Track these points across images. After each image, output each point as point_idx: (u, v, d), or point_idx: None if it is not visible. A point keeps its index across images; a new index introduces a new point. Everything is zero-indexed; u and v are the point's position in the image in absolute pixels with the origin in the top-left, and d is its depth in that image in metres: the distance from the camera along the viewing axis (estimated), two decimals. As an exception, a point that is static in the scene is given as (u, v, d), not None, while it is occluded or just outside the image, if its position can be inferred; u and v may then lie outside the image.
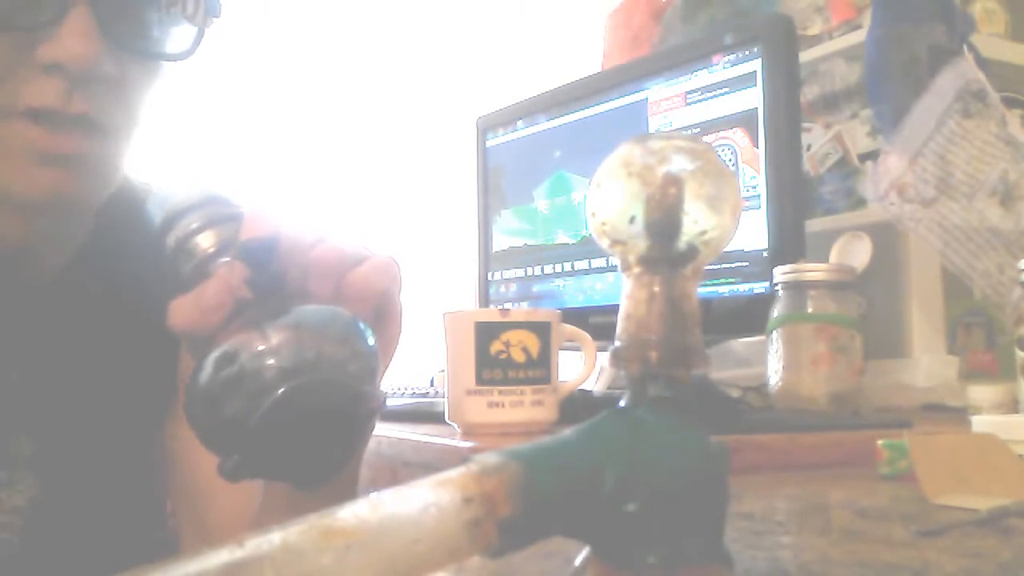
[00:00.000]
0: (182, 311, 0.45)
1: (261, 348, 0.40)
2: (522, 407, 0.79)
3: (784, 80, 1.10)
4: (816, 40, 1.52)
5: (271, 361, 0.40)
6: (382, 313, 0.50)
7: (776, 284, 1.03)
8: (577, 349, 0.89)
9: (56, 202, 0.56)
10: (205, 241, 0.46)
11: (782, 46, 1.11)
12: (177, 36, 0.56)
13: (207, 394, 0.41)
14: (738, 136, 1.13)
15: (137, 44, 0.54)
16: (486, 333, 0.79)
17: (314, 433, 0.41)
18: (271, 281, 0.44)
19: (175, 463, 0.70)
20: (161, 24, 0.55)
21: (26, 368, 0.62)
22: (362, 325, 0.44)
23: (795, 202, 1.10)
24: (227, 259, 0.45)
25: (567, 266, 1.38)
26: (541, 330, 0.80)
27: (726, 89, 1.16)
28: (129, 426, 0.68)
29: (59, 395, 0.64)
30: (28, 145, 0.53)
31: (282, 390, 0.39)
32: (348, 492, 0.57)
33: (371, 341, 0.44)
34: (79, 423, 0.65)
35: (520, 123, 1.50)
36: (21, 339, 0.62)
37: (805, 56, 1.43)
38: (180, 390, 0.67)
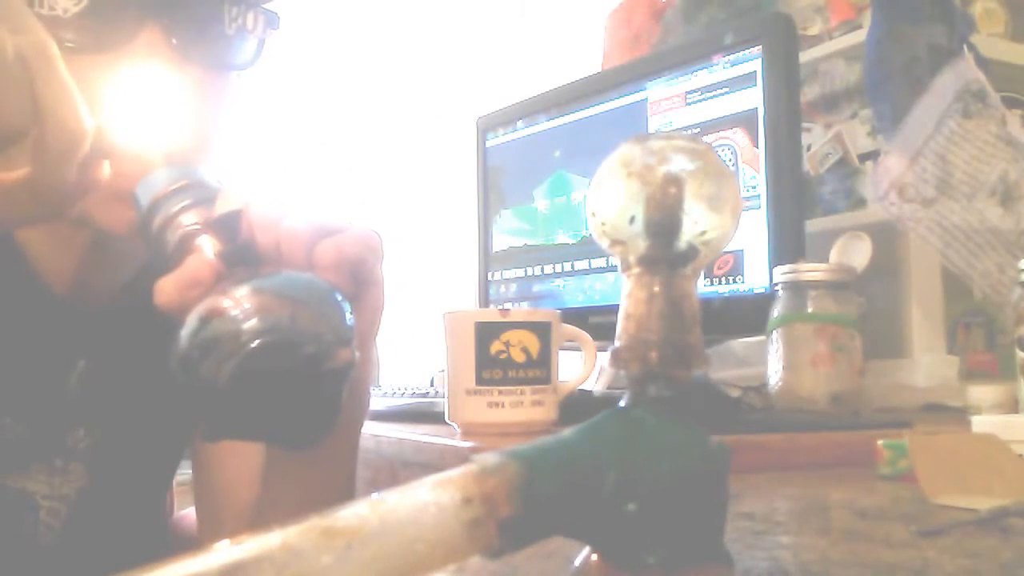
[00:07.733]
0: (165, 290, 0.46)
1: (227, 311, 0.41)
2: (522, 407, 0.79)
3: (784, 80, 1.10)
4: (816, 40, 1.51)
5: (237, 324, 0.41)
6: (361, 282, 0.50)
7: (776, 284, 1.02)
8: (577, 349, 0.89)
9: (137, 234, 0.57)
10: (186, 220, 0.47)
11: (782, 46, 1.11)
12: (241, 48, 0.61)
13: (183, 357, 0.42)
14: (738, 136, 1.13)
15: (205, 56, 0.58)
16: (486, 333, 0.79)
17: (283, 393, 0.42)
18: (240, 251, 0.46)
19: (203, 461, 0.73)
20: (226, 37, 0.59)
21: (90, 363, 0.65)
22: (329, 288, 0.45)
23: (795, 202, 1.10)
24: (203, 235, 0.46)
25: (567, 266, 1.38)
26: (541, 330, 0.80)
27: (726, 89, 1.16)
28: (170, 426, 0.72)
29: (114, 392, 0.66)
30: (111, 183, 0.53)
31: (246, 349, 0.40)
32: (347, 459, 0.59)
33: (342, 304, 0.45)
34: (129, 420, 0.68)
35: (520, 123, 1.50)
36: (86, 337, 0.65)
37: (805, 56, 1.43)
38: None
